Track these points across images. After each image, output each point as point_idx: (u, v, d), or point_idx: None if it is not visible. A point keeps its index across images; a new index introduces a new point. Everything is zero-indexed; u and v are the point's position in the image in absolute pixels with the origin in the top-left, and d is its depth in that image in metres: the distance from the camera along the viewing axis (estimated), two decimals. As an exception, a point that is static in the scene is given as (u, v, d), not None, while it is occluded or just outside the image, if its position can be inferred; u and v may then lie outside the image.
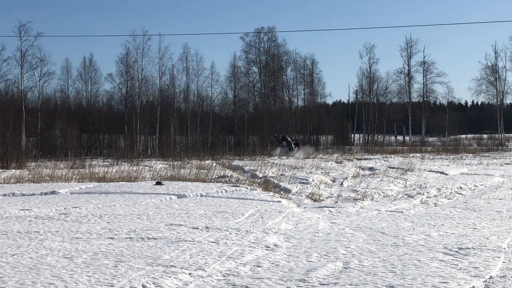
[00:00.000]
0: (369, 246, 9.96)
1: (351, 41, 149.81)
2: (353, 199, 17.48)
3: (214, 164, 30.79)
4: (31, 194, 17.76)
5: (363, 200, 17.34)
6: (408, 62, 74.07)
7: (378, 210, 15.07)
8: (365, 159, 40.08)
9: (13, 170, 27.89)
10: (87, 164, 33.08)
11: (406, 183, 22.07)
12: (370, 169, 29.18)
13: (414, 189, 20.07)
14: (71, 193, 18.07)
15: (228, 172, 26.64)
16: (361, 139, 73.63)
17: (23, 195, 17.69)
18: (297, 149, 48.48)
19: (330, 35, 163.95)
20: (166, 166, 32.14)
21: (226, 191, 18.53)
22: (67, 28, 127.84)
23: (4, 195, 17.66)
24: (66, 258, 8.80)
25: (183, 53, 65.05)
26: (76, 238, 10.48)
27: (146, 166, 32.47)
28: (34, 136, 54.26)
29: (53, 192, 18.13)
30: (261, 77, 69.85)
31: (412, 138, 74.46)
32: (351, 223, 12.75)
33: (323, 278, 7.73)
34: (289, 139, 49.59)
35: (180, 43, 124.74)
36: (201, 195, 17.52)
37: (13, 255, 9.02)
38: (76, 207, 14.58)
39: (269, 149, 50.81)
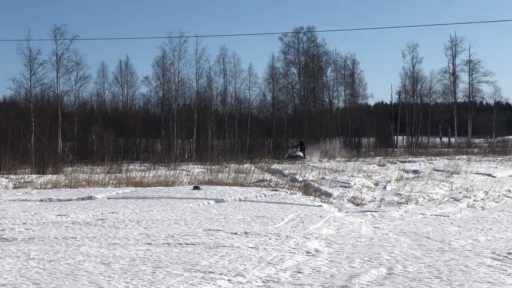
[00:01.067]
0: (413, 251, 9.88)
1: (393, 40, 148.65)
2: (397, 203, 17.36)
3: (253, 168, 30.83)
4: (68, 200, 17.97)
5: (407, 204, 17.21)
6: (453, 61, 73.32)
7: (423, 214, 14.95)
8: (409, 161, 39.72)
9: (50, 175, 28.22)
10: (124, 168, 33.32)
11: (452, 186, 21.85)
12: (414, 172, 28.93)
13: (460, 192, 19.86)
14: (108, 198, 18.23)
15: (267, 176, 26.64)
16: (404, 141, 73.02)
17: (59, 200, 17.90)
18: (303, 154, 46.82)
19: (371, 34, 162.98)
20: (204, 170, 32.24)
21: (265, 195, 18.54)
22: (103, 31, 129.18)
23: (41, 200, 17.90)
24: (104, 264, 8.88)
25: (220, 54, 65.18)
26: (114, 243, 10.57)
27: (184, 170, 32.59)
28: (70, 141, 54.89)
29: (90, 197, 18.31)
30: (300, 78, 69.75)
31: (458, 140, 73.65)
32: (394, 228, 12.66)
33: (366, 285, 7.69)
34: (298, 152, 46.97)
35: (217, 45, 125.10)
36: (240, 200, 17.55)
37: (50, 261, 9.13)
38: (113, 213, 14.71)
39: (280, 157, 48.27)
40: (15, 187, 23.31)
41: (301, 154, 46.42)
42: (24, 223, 13.11)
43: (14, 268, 8.63)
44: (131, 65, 68.03)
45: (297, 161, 43.61)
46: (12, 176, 27.62)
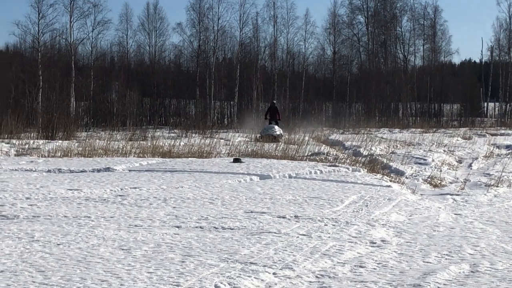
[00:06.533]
0: (504, 245, 9.79)
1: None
2: (485, 185, 17.23)
3: (307, 138, 30.80)
4: (81, 171, 18.17)
5: (497, 186, 17.07)
6: (560, 10, 72.01)
7: (517, 200, 14.83)
8: (502, 134, 39.37)
9: (60, 141, 28.57)
10: (150, 135, 33.59)
11: (554, 166, 21.60)
12: (508, 147, 28.70)
13: None
14: (130, 171, 18.40)
15: (324, 148, 26.62)
16: (496, 109, 72.27)
17: (71, 171, 18.11)
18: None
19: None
20: (247, 139, 32.31)
21: (321, 171, 18.53)
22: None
23: (49, 171, 18.13)
24: (123, 250, 8.96)
25: (270, -3, 65.01)
26: (135, 225, 10.66)
27: (222, 139, 32.75)
28: (85, 100, 55.44)
29: (107, 169, 18.50)
30: (369, 28, 69.24)
31: None
32: (481, 216, 12.57)
33: (444, 284, 7.64)
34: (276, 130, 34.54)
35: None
36: (290, 176, 17.57)
37: (58, 244, 9.24)
38: (135, 188, 14.84)
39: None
40: (18, 154, 23.67)
41: (278, 131, 34.55)
42: (27, 198, 13.29)
43: (14, 252, 8.76)
44: (160, 8, 68.16)
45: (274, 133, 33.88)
46: (14, 141, 28.04)
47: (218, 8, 61.63)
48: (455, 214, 12.76)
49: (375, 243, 9.75)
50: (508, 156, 24.52)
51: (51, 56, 54.79)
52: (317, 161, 22.25)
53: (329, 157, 23.51)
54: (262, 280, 7.65)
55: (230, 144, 28.48)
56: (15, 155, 23.55)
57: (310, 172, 18.27)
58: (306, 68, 66.14)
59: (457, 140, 33.44)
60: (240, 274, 7.75)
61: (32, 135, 32.53)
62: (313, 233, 10.24)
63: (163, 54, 67.24)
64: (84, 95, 55.21)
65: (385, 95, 63.18)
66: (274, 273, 7.91)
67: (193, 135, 35.96)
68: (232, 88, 60.79)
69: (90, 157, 22.76)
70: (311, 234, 10.13)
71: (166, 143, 26.92)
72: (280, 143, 29.28)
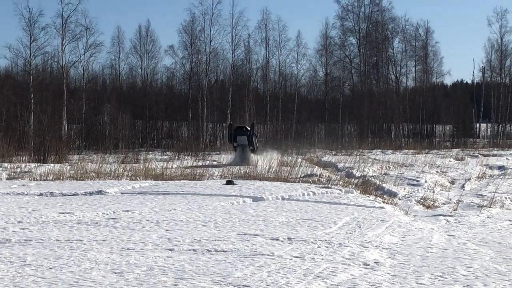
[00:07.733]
0: (497, 266, 9.79)
1: (477, 4, 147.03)
2: (478, 206, 17.25)
3: (300, 160, 30.83)
4: (73, 194, 18.15)
5: (490, 207, 17.09)
6: (552, 31, 72.29)
7: (510, 221, 14.82)
8: (494, 155, 39.43)
9: (52, 164, 28.54)
10: (142, 158, 33.60)
11: (547, 186, 21.64)
12: (500, 168, 28.76)
13: (557, 195, 19.66)
14: (122, 194, 18.38)
15: (317, 170, 26.65)
16: (488, 130, 72.40)
17: (63, 195, 18.09)
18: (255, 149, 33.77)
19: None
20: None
21: (314, 193, 18.55)
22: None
23: (41, 194, 18.10)
24: (115, 273, 8.95)
25: (262, 20, 65.15)
26: (127, 248, 10.65)
27: (215, 161, 32.72)
28: (77, 123, 55.35)
29: (99, 192, 18.48)
30: (361, 50, 69.43)
31: (556, 129, 72.74)
32: (474, 237, 12.57)
33: (438, 306, 7.65)
34: (249, 131, 33.32)
35: (258, 7, 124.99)
36: (283, 198, 17.59)
37: (50, 268, 9.22)
38: (127, 211, 14.82)
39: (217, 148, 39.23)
40: (9, 178, 23.62)
41: (256, 144, 34.09)
42: (19, 222, 13.28)
43: (6, 276, 8.74)
44: (152, 31, 67.98)
45: (246, 153, 32.54)
46: (6, 165, 28.00)
47: (210, 31, 61.71)
48: (448, 235, 12.76)
49: (368, 264, 9.74)
50: (501, 177, 24.56)
51: (43, 79, 54.78)
52: (310, 182, 22.27)
53: (322, 179, 23.54)
54: (255, 302, 7.64)
55: (223, 166, 28.50)
56: (6, 178, 23.50)
57: (303, 194, 18.29)
58: (298, 90, 66.21)
59: (450, 161, 33.53)
60: (233, 297, 7.74)
61: (24, 158, 32.47)
62: (306, 255, 10.24)
63: (155, 77, 67.30)
64: (76, 118, 55.12)
65: (377, 116, 63.25)
66: (267, 296, 7.90)
67: (186, 157, 35.97)
68: (224, 110, 60.80)
69: (82, 180, 22.74)
70: (304, 256, 10.13)
71: (158, 166, 26.92)
72: (256, 154, 29.71)
